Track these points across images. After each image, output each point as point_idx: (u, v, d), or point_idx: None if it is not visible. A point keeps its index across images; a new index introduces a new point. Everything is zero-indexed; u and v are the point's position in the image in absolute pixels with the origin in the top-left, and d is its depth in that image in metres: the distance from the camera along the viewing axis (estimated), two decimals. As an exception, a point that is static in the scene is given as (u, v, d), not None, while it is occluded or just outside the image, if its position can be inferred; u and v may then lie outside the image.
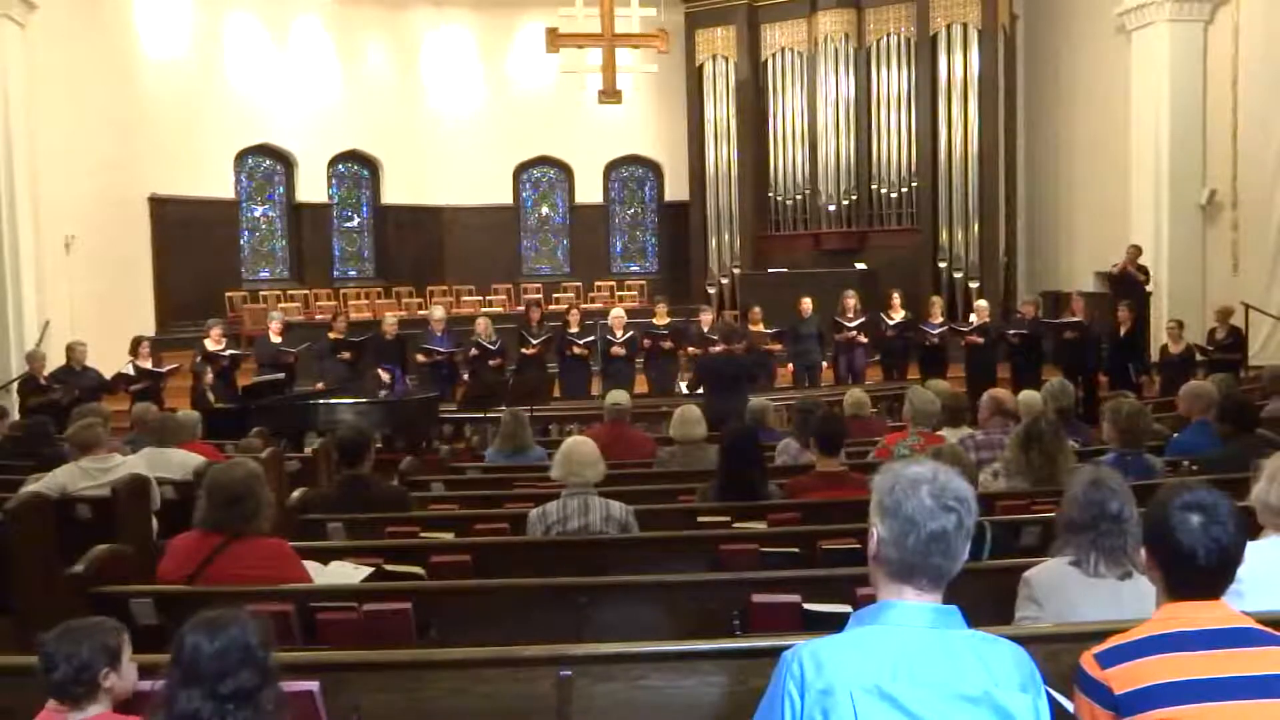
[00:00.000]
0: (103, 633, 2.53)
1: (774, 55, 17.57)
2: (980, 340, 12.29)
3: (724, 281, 17.60)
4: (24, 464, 6.83)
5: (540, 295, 17.37)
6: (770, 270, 16.61)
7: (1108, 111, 15.04)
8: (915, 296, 14.15)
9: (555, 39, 14.41)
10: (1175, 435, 6.49)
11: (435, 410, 10.65)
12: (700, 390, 9.70)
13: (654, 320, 13.08)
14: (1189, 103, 13.71)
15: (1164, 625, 2.20)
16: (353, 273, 18.63)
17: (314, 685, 2.59)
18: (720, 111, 17.84)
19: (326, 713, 2.66)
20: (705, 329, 12.44)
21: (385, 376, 11.70)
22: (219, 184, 16.46)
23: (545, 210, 19.94)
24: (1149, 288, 12.97)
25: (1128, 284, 12.85)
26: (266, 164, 17.49)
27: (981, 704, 1.86)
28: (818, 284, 14.23)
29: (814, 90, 17.09)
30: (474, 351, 12.26)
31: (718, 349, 10.77)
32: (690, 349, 12.42)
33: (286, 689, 2.57)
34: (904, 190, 16.66)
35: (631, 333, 12.51)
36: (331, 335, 12.48)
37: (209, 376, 11.32)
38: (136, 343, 11.32)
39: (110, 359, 11.33)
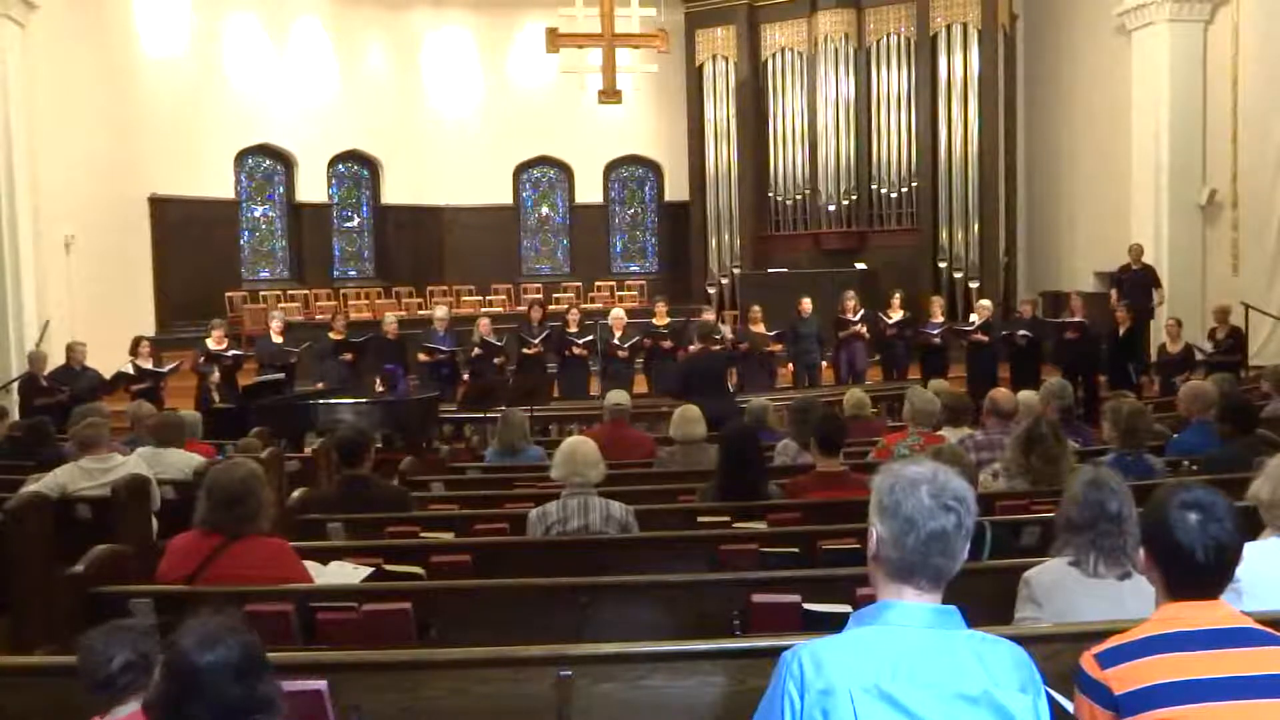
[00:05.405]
0: (145, 631, 2.57)
1: (774, 55, 17.57)
2: (985, 339, 12.28)
3: (724, 281, 17.61)
4: (24, 464, 6.83)
5: (540, 295, 17.34)
6: (770, 270, 16.60)
7: (1108, 111, 15.04)
8: (915, 296, 14.17)
9: (555, 39, 14.41)
10: (1175, 435, 6.50)
11: (435, 410, 10.64)
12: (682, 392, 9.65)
13: (654, 320, 13.08)
14: (1189, 103, 13.71)
15: (1164, 625, 2.20)
16: (353, 273, 18.62)
17: (322, 684, 2.59)
18: (720, 112, 17.85)
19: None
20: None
21: (381, 381, 11.70)
22: (219, 184, 16.44)
23: (545, 210, 19.93)
24: (1156, 300, 12.91)
25: (1143, 281, 12.82)
26: (266, 164, 17.48)
27: (981, 704, 1.86)
28: (818, 284, 14.23)
29: (814, 90, 17.09)
30: (477, 350, 12.25)
31: (677, 350, 10.70)
32: (690, 347, 12.42)
33: (293, 688, 2.57)
34: (904, 190, 16.66)
35: (636, 338, 12.51)
36: (333, 335, 12.48)
37: (215, 376, 11.34)
38: (136, 342, 11.32)
39: (110, 359, 11.32)
